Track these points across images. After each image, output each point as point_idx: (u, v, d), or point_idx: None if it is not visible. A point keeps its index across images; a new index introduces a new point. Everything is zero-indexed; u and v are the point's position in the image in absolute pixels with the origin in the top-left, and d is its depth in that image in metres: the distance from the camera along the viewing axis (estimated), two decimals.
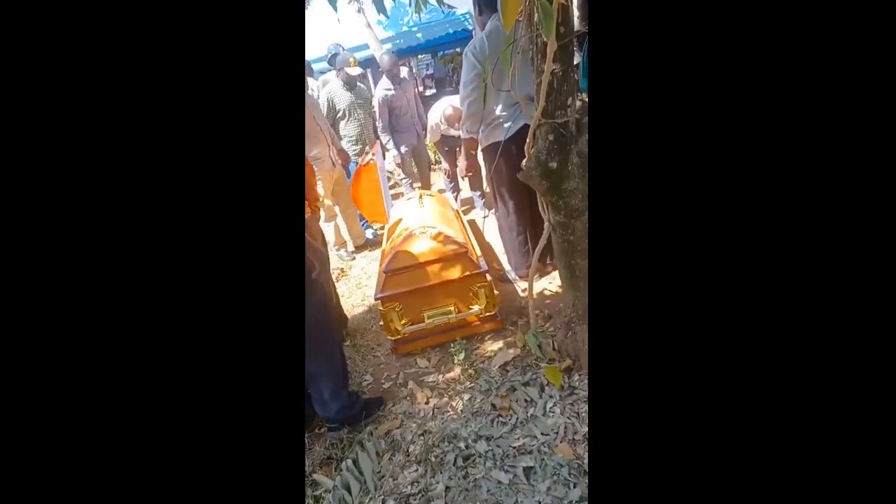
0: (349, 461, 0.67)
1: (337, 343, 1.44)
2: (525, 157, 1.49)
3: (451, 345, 1.69)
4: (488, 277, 1.74)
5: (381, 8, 1.30)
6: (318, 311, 1.37)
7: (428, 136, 3.18)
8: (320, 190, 2.70)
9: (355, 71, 2.82)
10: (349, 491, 0.61)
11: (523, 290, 2.09)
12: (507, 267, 2.26)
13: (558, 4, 0.98)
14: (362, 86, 2.97)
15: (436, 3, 2.66)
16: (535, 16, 1.13)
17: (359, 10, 4.30)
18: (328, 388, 1.37)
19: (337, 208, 2.87)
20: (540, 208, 1.51)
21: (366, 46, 4.57)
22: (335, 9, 0.75)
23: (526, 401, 1.40)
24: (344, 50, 3.24)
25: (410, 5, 2.67)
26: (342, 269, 2.79)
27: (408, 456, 1.29)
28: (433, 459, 1.25)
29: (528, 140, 1.37)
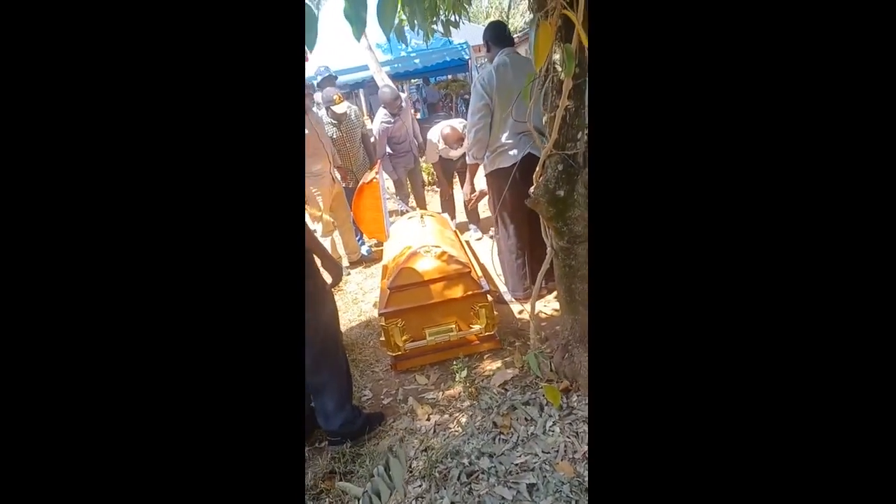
0: (380, 468, 0.69)
1: (343, 357, 1.46)
2: (529, 183, 1.58)
3: (454, 362, 1.72)
4: (489, 298, 1.79)
5: (402, 38, 1.39)
6: (329, 323, 1.39)
7: (426, 155, 3.26)
8: (320, 204, 2.73)
9: (341, 108, 2.86)
10: (379, 497, 0.63)
11: (519, 312, 2.15)
12: (502, 288, 2.32)
13: (577, 46, 1.07)
14: (351, 116, 2.98)
15: (441, 35, 2.79)
16: (556, 55, 1.23)
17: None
18: (332, 401, 1.38)
19: (334, 223, 2.90)
20: (543, 234, 1.58)
21: (366, 67, 4.70)
22: (358, 38, 0.80)
23: (526, 419, 1.44)
24: (331, 72, 3.23)
25: (418, 34, 2.79)
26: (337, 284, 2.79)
27: (411, 471, 1.30)
28: (437, 475, 1.27)
29: (537, 169, 1.45)
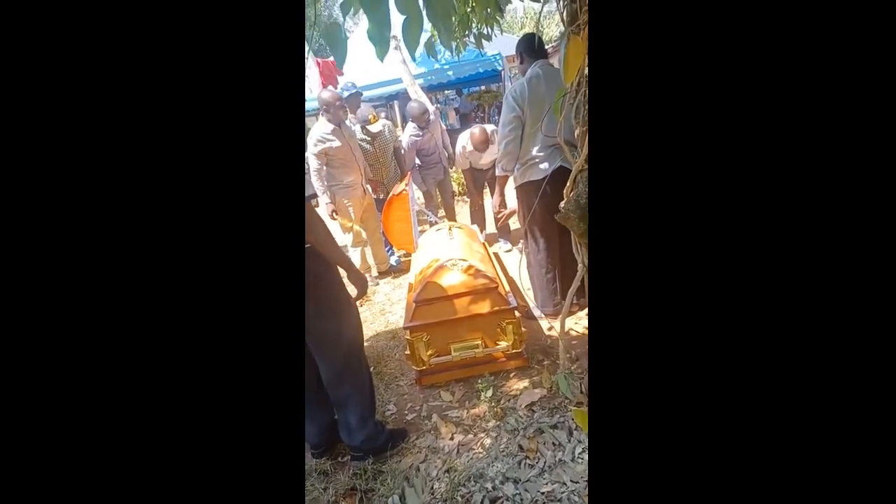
0: (395, 497, 0.66)
1: (367, 371, 1.45)
2: (559, 196, 1.52)
3: (479, 380, 1.69)
4: (517, 314, 1.74)
5: (433, 53, 1.40)
6: (353, 337, 1.38)
7: (456, 163, 3.25)
8: (351, 215, 2.77)
9: (377, 128, 2.87)
10: None
11: (548, 328, 2.08)
12: (531, 303, 2.27)
13: None
14: (385, 132, 3.00)
15: (474, 47, 2.80)
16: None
17: (395, 47, 4.50)
18: (356, 415, 1.37)
19: (364, 234, 2.93)
20: (574, 249, 1.52)
21: (400, 80, 4.77)
22: (381, 59, 0.78)
23: (554, 444, 1.38)
24: (357, 88, 3.20)
25: (451, 50, 2.80)
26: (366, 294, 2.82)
27: (433, 493, 1.27)
28: (459, 499, 1.23)
29: (568, 184, 1.40)
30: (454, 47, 2.63)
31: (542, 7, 1.95)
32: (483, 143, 2.90)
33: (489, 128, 3.01)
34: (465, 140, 3.04)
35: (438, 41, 2.04)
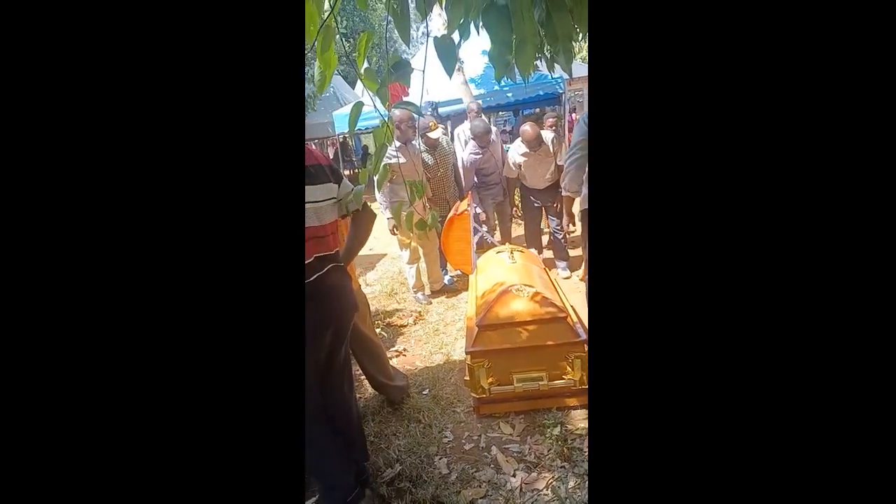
0: None
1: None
2: None
3: (544, 415, 1.60)
4: (586, 347, 1.65)
5: (506, 73, 1.36)
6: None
7: (504, 170, 3.16)
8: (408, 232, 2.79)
9: (436, 135, 2.89)
10: None
11: None
12: None
13: None
14: (443, 143, 3.00)
15: (546, 72, 2.77)
16: None
17: (458, 69, 4.59)
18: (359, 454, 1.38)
19: (421, 252, 2.94)
20: None
21: (461, 101, 4.84)
22: (499, 80, 0.79)
23: None
24: (434, 106, 3.23)
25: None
26: (419, 312, 2.80)
27: None
28: None
29: None
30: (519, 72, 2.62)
31: None
32: (535, 139, 2.79)
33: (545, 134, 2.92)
34: (515, 148, 2.99)
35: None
